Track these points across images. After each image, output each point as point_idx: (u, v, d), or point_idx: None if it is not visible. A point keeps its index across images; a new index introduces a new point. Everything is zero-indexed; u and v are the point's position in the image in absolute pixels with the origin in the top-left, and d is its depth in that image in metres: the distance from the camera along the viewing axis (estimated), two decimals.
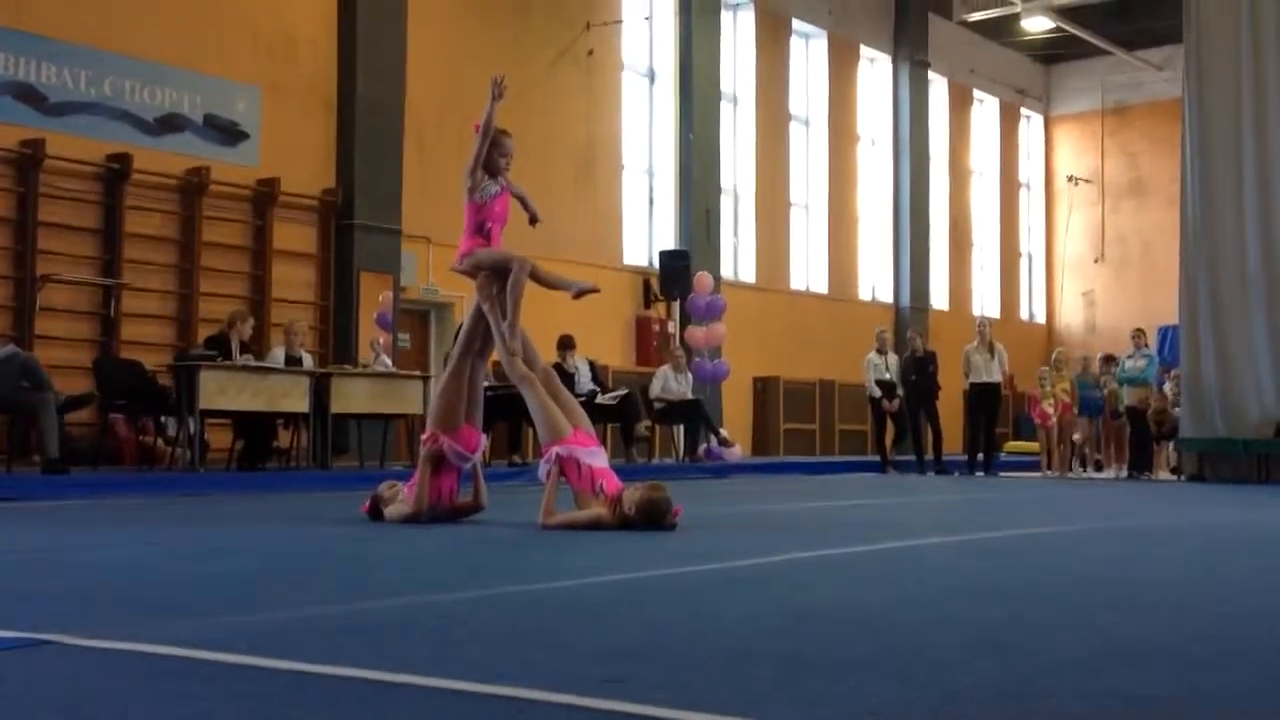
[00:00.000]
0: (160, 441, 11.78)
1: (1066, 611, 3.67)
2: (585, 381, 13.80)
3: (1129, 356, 15.83)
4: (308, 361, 12.00)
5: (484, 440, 6.94)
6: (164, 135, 12.73)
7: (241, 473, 11.10)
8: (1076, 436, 16.54)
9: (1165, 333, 19.89)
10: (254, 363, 11.24)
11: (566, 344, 13.86)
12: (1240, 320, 13.99)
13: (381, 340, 13.34)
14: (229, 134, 13.27)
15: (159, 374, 11.58)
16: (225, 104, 13.25)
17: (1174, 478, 15.02)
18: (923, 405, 15.77)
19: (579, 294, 6.90)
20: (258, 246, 13.47)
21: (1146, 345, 16.27)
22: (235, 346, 11.20)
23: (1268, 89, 14.05)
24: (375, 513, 6.76)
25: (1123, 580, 4.57)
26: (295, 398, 11.22)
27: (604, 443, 6.69)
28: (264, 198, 13.41)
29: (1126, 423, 15.68)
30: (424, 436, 6.85)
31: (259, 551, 5.41)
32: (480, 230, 6.72)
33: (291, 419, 11.80)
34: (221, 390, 10.70)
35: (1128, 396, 15.53)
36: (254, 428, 11.49)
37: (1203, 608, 3.85)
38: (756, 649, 2.92)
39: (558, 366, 11.69)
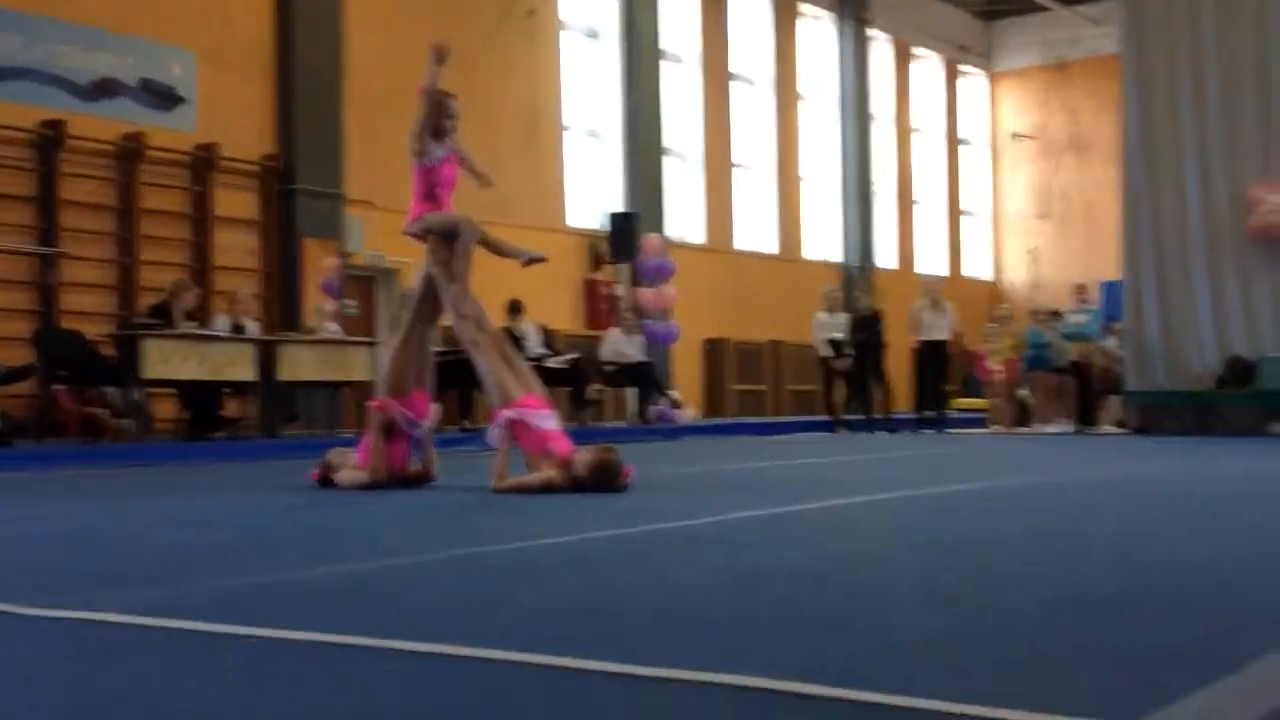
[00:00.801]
0: (105, 412, 11.65)
1: (1014, 564, 3.72)
2: (534, 345, 13.77)
3: (1071, 312, 16.00)
4: (252, 329, 11.89)
5: (436, 408, 6.92)
6: (99, 100, 12.51)
7: (189, 442, 11.01)
8: (1023, 391, 16.71)
9: (1109, 288, 20.12)
10: (197, 330, 11.13)
11: (515, 308, 13.82)
12: (1182, 274, 14.17)
13: (327, 307, 13.25)
14: (166, 99, 13.06)
15: (101, 344, 11.44)
16: (161, 68, 13.03)
17: (1119, 431, 15.23)
18: (870, 364, 15.88)
19: (528, 263, 6.88)
20: (198, 213, 13.29)
21: (1088, 300, 16.44)
22: (178, 315, 11.08)
23: (1205, 42, 14.16)
24: (325, 480, 6.73)
25: (1070, 532, 4.63)
26: (241, 366, 11.13)
27: (555, 406, 6.69)
28: (203, 163, 13.23)
29: (1071, 377, 15.87)
30: (373, 403, 6.82)
31: (208, 520, 5.38)
32: (429, 195, 6.67)
33: (238, 388, 11.70)
34: (165, 359, 10.59)
35: (1071, 351, 15.70)
36: (200, 397, 11.39)
37: (1149, 557, 3.91)
38: (706, 607, 2.94)
39: (506, 331, 11.65)
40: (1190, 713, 1.92)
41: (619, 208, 18.03)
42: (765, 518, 5.04)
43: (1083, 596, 3.10)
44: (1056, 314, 16.58)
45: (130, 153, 12.64)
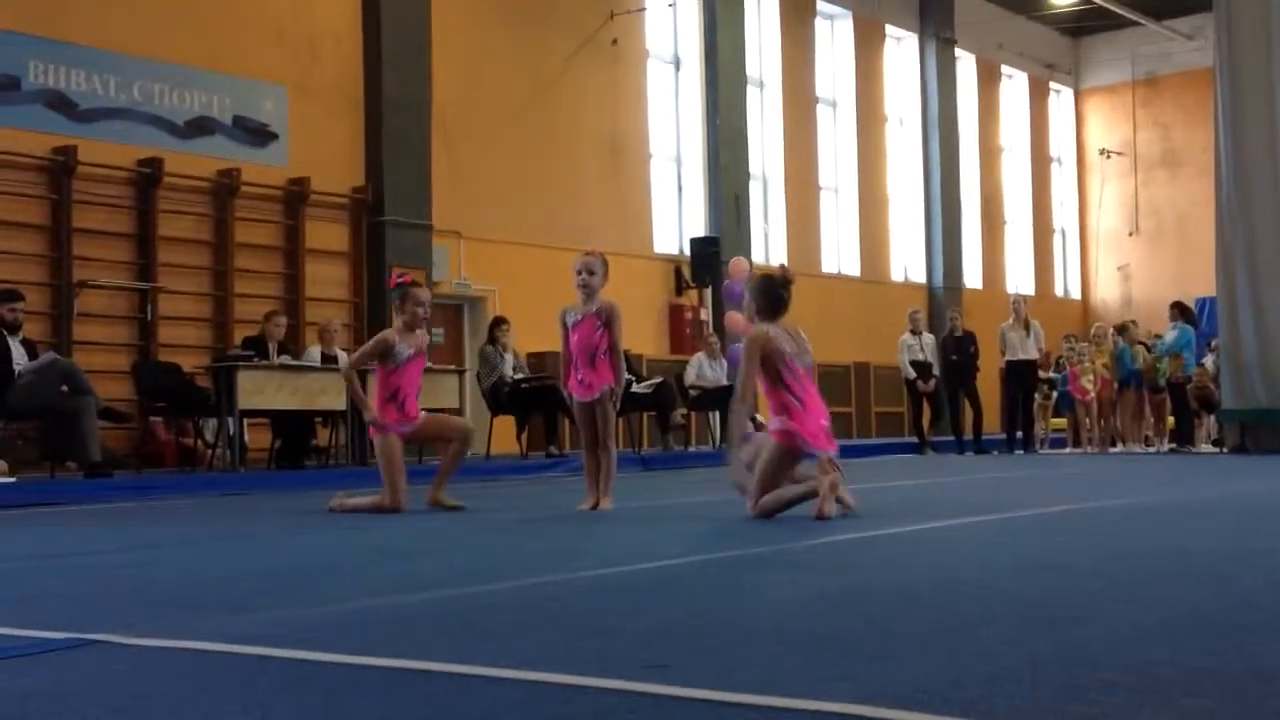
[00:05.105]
0: (200, 443, 11.85)
1: (1114, 585, 3.64)
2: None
3: (1169, 329, 15.68)
4: (343, 359, 12.03)
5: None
6: (194, 138, 12.80)
7: (281, 471, 11.17)
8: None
9: (1203, 304, 19.70)
10: (290, 362, 11.30)
11: None
12: (1278, 288, 13.82)
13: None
14: (258, 135, 13.32)
15: (197, 376, 11.66)
16: (253, 105, 13.31)
17: (1216, 450, 14.87)
18: (962, 385, 15.70)
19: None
20: (290, 246, 13.53)
21: (1182, 318, 16.05)
22: (272, 346, 11.27)
23: None
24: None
25: (1170, 552, 4.52)
26: (332, 395, 11.28)
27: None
28: (295, 197, 13.47)
29: (1167, 396, 15.53)
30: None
31: (302, 548, 5.44)
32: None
33: (329, 417, 11.85)
34: (259, 390, 10.76)
35: (1167, 370, 15.36)
36: (292, 426, 11.55)
37: (1252, 578, 3.80)
38: (802, 631, 2.91)
39: None
40: None
41: (703, 232, 18.04)
42: (859, 540, 4.98)
43: (1188, 618, 3.02)
44: (1124, 329, 16.17)
45: (224, 189, 12.90)
